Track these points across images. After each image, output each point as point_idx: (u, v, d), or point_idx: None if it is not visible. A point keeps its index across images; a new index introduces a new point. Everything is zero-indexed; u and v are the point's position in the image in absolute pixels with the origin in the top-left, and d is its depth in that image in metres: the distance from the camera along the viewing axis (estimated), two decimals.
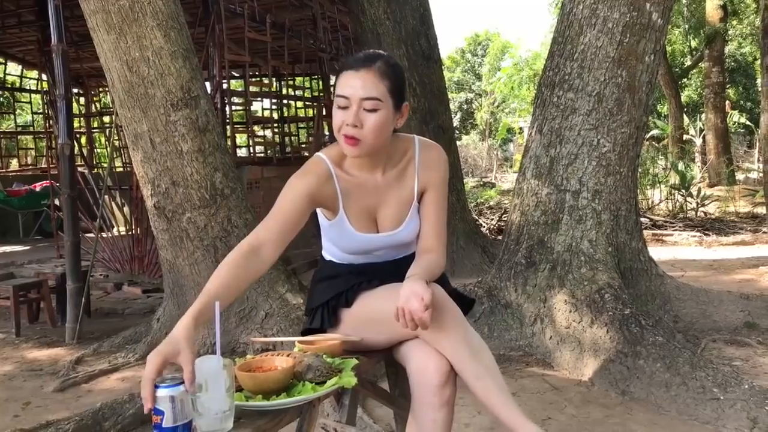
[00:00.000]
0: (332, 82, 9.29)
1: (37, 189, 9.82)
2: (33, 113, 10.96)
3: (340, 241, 1.81)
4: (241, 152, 10.69)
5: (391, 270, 1.82)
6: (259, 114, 10.59)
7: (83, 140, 10.12)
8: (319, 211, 1.82)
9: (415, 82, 6.06)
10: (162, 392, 1.28)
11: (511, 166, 21.62)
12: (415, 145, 1.80)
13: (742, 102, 22.66)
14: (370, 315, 1.74)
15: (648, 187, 10.42)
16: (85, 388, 3.40)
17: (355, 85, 1.62)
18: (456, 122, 25.78)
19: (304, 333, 1.91)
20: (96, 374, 3.55)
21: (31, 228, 9.98)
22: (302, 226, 1.68)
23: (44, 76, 8.11)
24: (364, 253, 1.83)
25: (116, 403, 2.72)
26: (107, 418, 2.62)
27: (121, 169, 9.01)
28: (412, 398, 1.65)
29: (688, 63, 19.78)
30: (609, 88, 3.59)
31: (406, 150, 1.80)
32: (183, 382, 1.27)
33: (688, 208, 9.81)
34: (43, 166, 10.21)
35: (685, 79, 21.49)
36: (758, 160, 14.42)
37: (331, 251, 1.89)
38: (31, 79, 12.45)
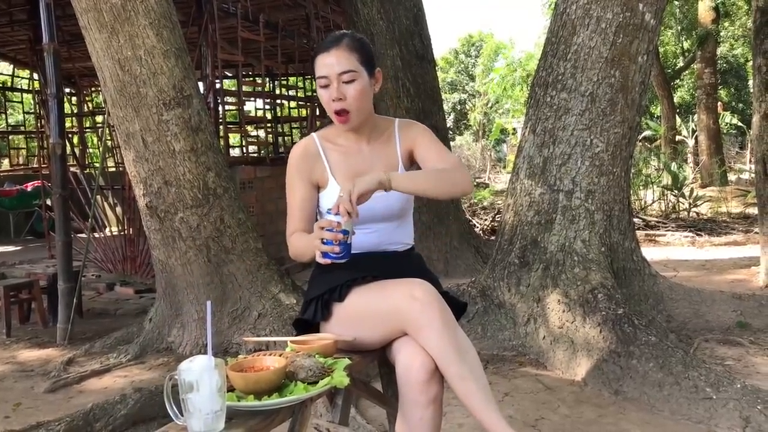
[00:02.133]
0: None
1: (29, 189, 9.77)
2: (24, 113, 10.88)
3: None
4: (234, 152, 10.66)
5: (386, 266, 1.83)
6: (252, 114, 10.56)
7: (75, 140, 10.05)
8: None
9: (409, 82, 6.05)
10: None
11: (504, 167, 21.65)
12: (395, 123, 2.00)
13: (734, 103, 22.79)
14: (362, 311, 1.74)
15: (641, 187, 10.46)
16: (76, 389, 3.38)
17: (330, 63, 1.79)
18: (449, 123, 25.83)
19: (296, 323, 1.91)
20: (88, 375, 3.53)
21: (22, 228, 9.93)
22: (317, 201, 1.93)
23: (36, 76, 8.06)
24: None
25: (107, 403, 2.71)
26: (98, 419, 2.61)
27: (114, 169, 8.97)
28: (400, 396, 1.65)
29: (681, 64, 19.87)
30: (602, 88, 3.60)
31: (388, 126, 1.99)
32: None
33: (681, 208, 9.86)
34: (34, 165, 10.15)
35: (677, 80, 21.59)
36: (750, 161, 14.50)
37: None
38: (22, 78, 12.38)
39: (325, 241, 1.62)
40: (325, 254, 1.63)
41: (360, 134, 1.92)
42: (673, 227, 8.70)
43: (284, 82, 9.65)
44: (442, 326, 1.61)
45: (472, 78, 28.64)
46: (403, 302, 1.64)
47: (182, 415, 1.29)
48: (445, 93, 27.12)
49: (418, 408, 1.60)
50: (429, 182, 1.78)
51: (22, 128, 12.36)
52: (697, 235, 8.10)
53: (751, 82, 10.36)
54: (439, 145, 1.94)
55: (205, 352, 1.34)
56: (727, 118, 18.18)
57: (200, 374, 1.25)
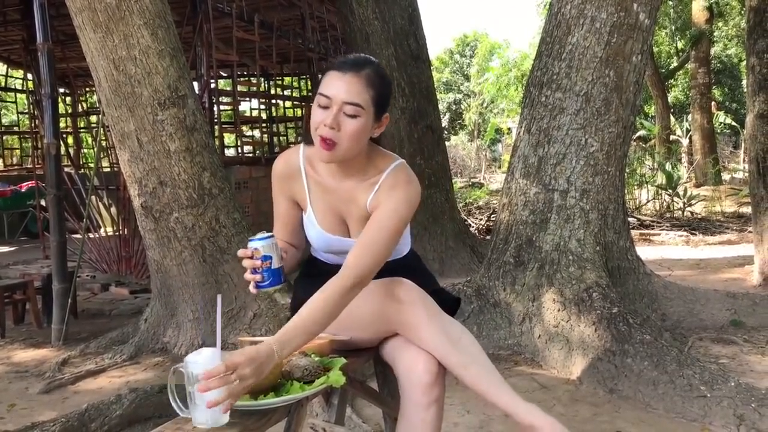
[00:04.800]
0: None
1: (23, 189, 9.75)
2: (18, 113, 10.86)
3: (312, 238, 1.83)
4: (230, 152, 10.65)
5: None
6: (248, 114, 10.55)
7: (70, 140, 10.02)
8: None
9: (404, 82, 6.05)
10: (266, 241, 1.55)
11: (499, 167, 21.69)
12: (390, 166, 1.70)
13: (727, 103, 22.87)
14: (349, 314, 1.73)
15: (635, 187, 10.50)
16: (71, 390, 3.37)
17: (339, 87, 1.58)
18: (445, 123, 25.83)
19: None
20: (82, 375, 3.52)
21: (16, 229, 9.91)
22: (300, 214, 1.82)
23: (30, 76, 8.03)
24: (337, 253, 1.80)
25: (103, 404, 2.70)
26: (93, 420, 2.60)
27: (109, 169, 8.95)
28: (401, 398, 1.64)
29: (675, 64, 19.94)
30: (597, 87, 3.61)
31: (379, 170, 1.70)
32: (273, 235, 1.58)
33: (675, 207, 9.89)
34: (28, 166, 10.12)
35: (671, 80, 21.67)
36: (743, 161, 14.56)
37: (314, 248, 1.89)
38: (16, 78, 12.33)
39: (252, 270, 1.57)
40: (262, 285, 1.58)
41: (346, 173, 1.70)
42: (667, 226, 8.74)
43: (279, 82, 9.64)
44: (428, 321, 1.60)
45: (467, 78, 28.66)
46: (386, 305, 1.64)
47: (186, 408, 1.28)
48: (440, 93, 27.13)
49: (421, 410, 1.60)
50: (319, 327, 1.52)
51: (16, 128, 12.32)
52: (692, 234, 8.14)
53: (744, 82, 10.42)
54: (377, 233, 1.61)
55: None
56: (721, 118, 18.26)
57: (207, 367, 1.25)
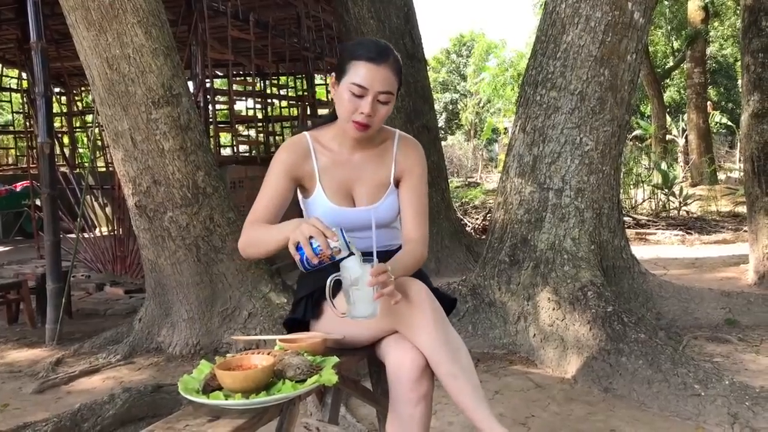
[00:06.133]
0: (317, 81, 9.35)
1: (18, 189, 9.72)
2: (13, 112, 10.81)
3: (319, 216, 1.80)
4: (226, 151, 10.63)
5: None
6: (243, 113, 10.53)
7: (65, 140, 10.00)
8: (299, 194, 1.92)
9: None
10: (349, 254, 1.57)
11: (496, 166, 21.70)
12: (395, 136, 1.94)
13: (723, 103, 22.96)
14: None
15: (631, 186, 10.51)
16: (64, 390, 3.35)
17: (374, 78, 1.73)
18: (441, 122, 25.86)
19: (287, 323, 1.91)
20: (76, 375, 3.50)
21: (11, 228, 9.87)
22: (290, 199, 1.85)
23: (24, 75, 8.00)
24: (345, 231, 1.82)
25: (95, 404, 2.69)
26: (86, 419, 2.59)
27: (104, 169, 8.93)
28: (390, 394, 1.65)
29: (671, 64, 19.97)
30: (591, 86, 3.61)
31: (386, 138, 1.92)
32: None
33: (671, 207, 9.91)
34: (23, 165, 10.09)
35: (667, 80, 21.71)
36: (739, 160, 14.59)
37: None
38: (11, 77, 12.29)
39: (314, 246, 1.51)
40: (302, 257, 1.53)
41: (356, 144, 1.87)
42: (663, 226, 8.75)
43: (275, 82, 9.63)
44: (434, 325, 1.61)
45: (464, 78, 28.68)
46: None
47: (342, 313, 1.62)
48: (437, 93, 27.16)
49: (409, 405, 1.61)
50: (410, 271, 1.79)
51: (11, 128, 12.29)
52: (687, 233, 8.15)
53: (740, 82, 10.46)
54: (422, 200, 1.90)
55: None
56: (717, 118, 18.29)
57: (362, 271, 1.53)
